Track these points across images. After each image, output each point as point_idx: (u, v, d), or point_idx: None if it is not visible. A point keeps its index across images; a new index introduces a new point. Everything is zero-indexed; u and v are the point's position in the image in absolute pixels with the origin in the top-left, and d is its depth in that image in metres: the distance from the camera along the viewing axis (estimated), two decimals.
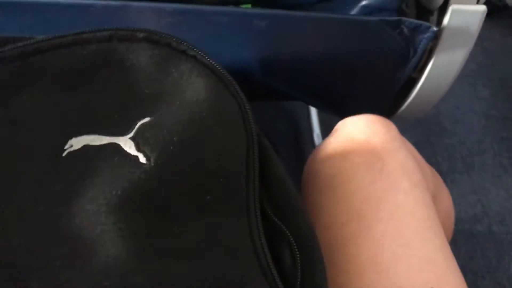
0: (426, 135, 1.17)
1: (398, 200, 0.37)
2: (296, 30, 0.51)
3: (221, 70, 0.35)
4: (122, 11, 0.49)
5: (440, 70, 0.58)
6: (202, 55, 0.35)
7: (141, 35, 0.34)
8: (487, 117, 1.22)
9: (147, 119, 0.32)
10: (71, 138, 0.30)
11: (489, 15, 1.39)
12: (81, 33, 0.34)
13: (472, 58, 1.36)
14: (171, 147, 0.31)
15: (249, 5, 0.54)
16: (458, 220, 1.04)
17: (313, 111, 1.11)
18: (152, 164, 0.30)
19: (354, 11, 0.53)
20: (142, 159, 0.30)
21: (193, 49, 0.35)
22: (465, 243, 1.01)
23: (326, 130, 1.08)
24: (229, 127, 0.34)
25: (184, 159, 0.31)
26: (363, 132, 0.41)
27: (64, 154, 0.30)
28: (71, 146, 0.30)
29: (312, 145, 1.08)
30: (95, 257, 0.27)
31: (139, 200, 0.29)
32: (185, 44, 0.35)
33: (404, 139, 0.44)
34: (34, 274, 0.26)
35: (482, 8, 0.53)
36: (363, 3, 0.52)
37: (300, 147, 1.11)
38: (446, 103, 1.23)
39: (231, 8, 0.52)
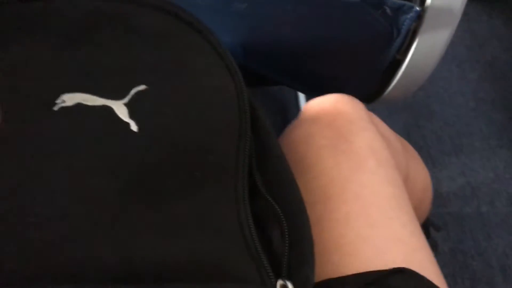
0: (414, 119, 1.17)
1: (364, 180, 0.37)
2: (277, 12, 0.51)
3: (223, 49, 0.35)
4: None
5: (424, 51, 0.57)
6: (208, 30, 0.35)
7: (151, 1, 0.34)
8: (476, 99, 1.22)
9: (143, 87, 0.31)
10: (64, 93, 0.30)
11: None
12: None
13: (460, 40, 1.36)
14: (164, 119, 0.31)
15: None
16: (447, 202, 1.05)
17: (301, 97, 1.10)
18: (143, 133, 0.29)
19: None
20: (134, 126, 0.30)
21: (200, 23, 0.35)
22: (454, 225, 1.02)
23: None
24: (224, 105, 0.34)
25: (176, 132, 0.31)
26: (329, 113, 0.41)
27: (56, 108, 0.29)
28: (64, 101, 0.29)
29: None
30: (70, 222, 0.26)
31: (125, 168, 0.28)
32: (192, 16, 0.35)
33: (372, 116, 0.44)
34: (16, 231, 0.25)
35: None
36: None
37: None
38: (434, 86, 1.23)
39: None
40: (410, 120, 1.16)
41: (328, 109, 0.41)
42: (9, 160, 0.27)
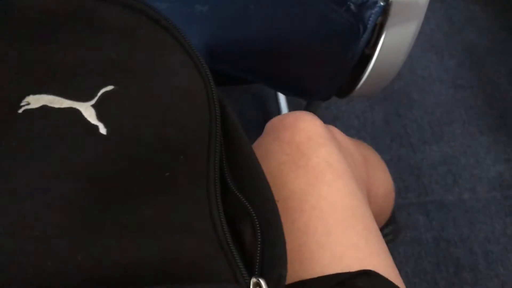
0: (394, 108, 1.17)
1: (322, 192, 0.38)
2: (240, 13, 0.50)
3: (191, 46, 0.34)
4: None
5: (392, 44, 0.57)
6: (175, 28, 0.34)
7: None
8: (455, 86, 1.23)
9: (110, 87, 0.30)
10: (29, 94, 0.29)
11: None
12: None
13: (437, 27, 1.36)
14: (133, 120, 0.30)
15: None
16: (429, 191, 1.05)
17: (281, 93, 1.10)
18: (111, 136, 0.29)
19: None
20: (102, 129, 0.29)
21: (167, 20, 0.34)
22: (437, 213, 1.02)
23: (295, 109, 1.08)
24: (193, 104, 0.33)
25: (145, 133, 0.30)
26: (289, 130, 0.43)
27: (20, 111, 0.28)
28: (28, 103, 0.29)
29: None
30: (37, 227, 0.25)
31: (94, 171, 0.28)
32: (159, 14, 0.34)
33: (334, 130, 0.46)
34: None
35: None
36: None
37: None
38: (413, 74, 1.23)
39: None
40: (390, 109, 1.17)
41: (289, 126, 0.43)
42: None
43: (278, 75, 0.60)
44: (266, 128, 0.45)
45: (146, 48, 0.33)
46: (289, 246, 0.34)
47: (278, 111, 1.09)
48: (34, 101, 0.29)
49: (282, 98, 1.10)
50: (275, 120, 0.45)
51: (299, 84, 0.63)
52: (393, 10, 0.53)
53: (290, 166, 0.40)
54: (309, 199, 0.38)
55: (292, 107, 1.09)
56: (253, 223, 0.31)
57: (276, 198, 0.35)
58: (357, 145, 0.50)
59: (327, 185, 0.39)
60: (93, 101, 0.30)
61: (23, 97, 0.29)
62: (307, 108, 0.86)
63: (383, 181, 0.55)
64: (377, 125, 1.14)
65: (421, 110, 1.18)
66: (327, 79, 0.62)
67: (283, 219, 0.34)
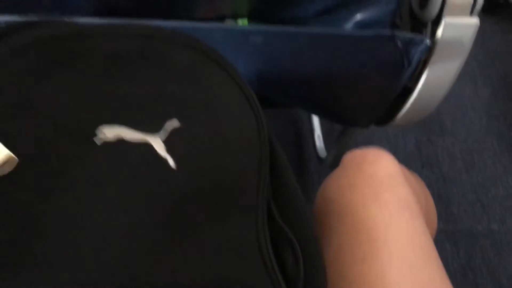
0: (426, 135, 1.18)
1: (402, 227, 0.41)
2: (292, 45, 0.52)
3: (246, 85, 0.37)
4: None
5: (434, 80, 0.59)
6: (233, 68, 0.37)
7: (183, 39, 0.36)
8: (488, 115, 1.23)
9: (176, 122, 0.33)
10: (102, 124, 0.31)
11: (490, 12, 1.38)
12: (126, 26, 0.35)
13: (473, 56, 1.36)
14: (196, 154, 0.33)
15: (246, 20, 0.55)
16: (458, 219, 1.06)
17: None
18: (179, 168, 0.32)
19: (349, 25, 0.54)
20: (171, 162, 0.32)
21: (225, 60, 0.37)
22: (465, 242, 1.02)
23: (327, 132, 1.10)
24: (247, 140, 0.36)
25: (206, 167, 0.33)
26: (372, 166, 0.46)
27: (96, 140, 0.31)
28: (104, 134, 0.31)
29: (314, 147, 1.09)
30: (108, 250, 0.28)
31: (163, 202, 0.31)
32: (218, 54, 0.37)
33: (405, 171, 0.49)
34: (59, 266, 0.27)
35: (475, 20, 0.54)
36: (358, 17, 0.53)
37: (301, 148, 1.12)
38: (446, 102, 1.23)
39: (228, 26, 0.53)
40: (422, 136, 1.17)
41: (371, 162, 0.46)
42: (52, 192, 0.29)
43: (321, 103, 0.62)
44: (346, 160, 0.49)
45: (207, 85, 0.35)
46: (373, 272, 0.37)
47: (311, 130, 1.11)
48: (109, 131, 0.31)
49: (315, 117, 1.12)
50: (356, 155, 0.48)
51: (340, 113, 0.65)
52: (438, 48, 0.55)
53: (372, 198, 0.43)
54: (391, 232, 0.41)
55: (324, 127, 1.11)
56: (296, 253, 0.34)
57: (359, 227, 0.39)
58: (418, 181, 0.53)
59: (406, 221, 0.42)
60: (161, 135, 0.32)
61: (97, 127, 0.31)
62: (343, 131, 0.88)
63: (433, 216, 0.57)
64: (408, 151, 1.15)
65: (453, 137, 1.18)
66: (368, 109, 0.64)
67: (366, 247, 0.38)
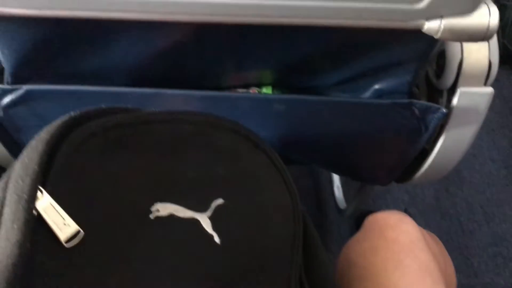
0: (445, 185, 1.19)
1: None
2: (313, 112, 0.55)
3: (283, 165, 0.40)
4: (157, 97, 0.54)
5: (451, 143, 0.61)
6: (271, 150, 0.40)
7: (227, 124, 0.40)
8: (506, 166, 1.24)
9: (221, 201, 0.36)
10: (156, 201, 0.34)
11: (508, 62, 1.40)
12: (181, 113, 0.39)
13: (490, 107, 1.38)
14: (238, 231, 0.36)
15: (270, 87, 0.58)
16: (478, 272, 1.05)
17: None
18: (223, 244, 0.35)
19: (368, 94, 0.56)
20: (217, 238, 0.35)
21: (264, 143, 0.40)
22: None
23: (347, 182, 1.12)
24: (283, 218, 0.39)
25: (247, 243, 0.36)
26: (394, 231, 0.48)
27: (152, 217, 0.34)
28: (158, 210, 0.34)
29: (333, 197, 1.11)
30: None
31: (208, 275, 0.34)
32: (258, 138, 0.40)
33: (425, 234, 0.50)
34: None
35: (489, 90, 0.56)
36: (376, 86, 0.56)
37: (321, 199, 1.14)
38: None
39: (253, 94, 0.57)
40: (441, 186, 1.18)
41: (393, 227, 0.48)
42: (113, 266, 0.32)
43: (340, 164, 0.65)
44: (369, 223, 0.51)
45: (248, 167, 0.39)
46: None
47: (330, 181, 1.13)
48: (162, 208, 0.34)
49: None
50: (378, 218, 0.50)
51: (359, 172, 0.68)
52: (454, 115, 0.57)
53: (395, 263, 0.45)
54: None
55: (343, 178, 1.13)
56: None
57: None
58: (437, 243, 0.55)
59: (427, 287, 0.44)
60: (208, 213, 0.36)
61: (152, 204, 0.34)
62: (363, 185, 0.90)
63: (453, 279, 0.58)
64: (427, 202, 1.16)
65: (471, 189, 1.19)
66: (387, 170, 0.66)
67: None
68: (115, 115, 0.36)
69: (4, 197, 0.30)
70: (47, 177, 0.31)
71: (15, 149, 0.59)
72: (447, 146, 0.61)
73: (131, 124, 0.37)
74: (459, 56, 0.54)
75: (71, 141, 0.33)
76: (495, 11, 0.41)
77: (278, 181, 0.39)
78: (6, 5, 0.40)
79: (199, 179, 0.37)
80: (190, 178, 0.37)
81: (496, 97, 1.38)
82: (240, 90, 0.60)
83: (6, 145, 0.58)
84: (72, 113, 0.34)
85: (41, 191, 0.30)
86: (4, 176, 0.32)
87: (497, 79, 0.58)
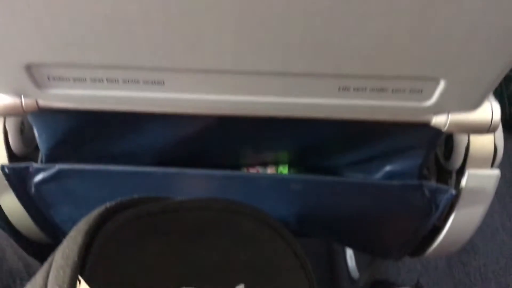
0: (458, 255, 1.19)
1: None
2: (329, 191, 0.58)
3: (300, 250, 0.43)
4: (179, 176, 0.58)
5: (462, 220, 0.63)
6: (289, 235, 0.43)
7: (248, 211, 0.42)
8: None
9: (242, 286, 0.39)
10: (182, 286, 0.36)
11: None
12: (205, 200, 0.42)
13: (501, 176, 1.40)
14: None
15: (286, 166, 0.62)
16: None
17: None
18: None
19: (380, 175, 0.59)
20: None
21: (282, 228, 0.43)
22: None
23: (359, 252, 1.12)
24: None
25: None
26: None
27: None
28: None
29: (346, 266, 1.12)
30: None
31: None
32: (276, 223, 0.43)
33: None
34: None
35: (496, 172, 0.59)
36: (388, 168, 0.59)
37: (333, 268, 1.14)
38: None
39: (270, 174, 0.60)
40: (454, 256, 1.18)
41: None
42: None
43: (353, 240, 0.67)
44: None
45: (267, 252, 0.41)
46: None
47: (343, 250, 1.14)
48: None
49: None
50: None
51: (371, 248, 0.69)
52: (463, 195, 0.60)
53: None
54: None
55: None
56: None
57: None
58: None
59: None
60: None
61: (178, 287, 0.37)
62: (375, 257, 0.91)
63: None
64: (439, 271, 1.15)
65: (484, 258, 1.19)
66: (399, 245, 0.68)
67: None
68: (146, 205, 0.39)
69: (45, 286, 0.33)
70: (84, 266, 0.34)
71: (45, 224, 0.62)
72: (458, 224, 0.63)
73: (160, 213, 0.40)
74: (466, 140, 0.57)
75: (106, 231, 0.36)
76: (497, 107, 0.45)
77: (297, 266, 0.41)
78: (50, 100, 0.45)
79: (222, 264, 0.39)
80: (214, 263, 0.39)
81: (506, 166, 1.40)
82: (258, 168, 0.63)
83: (35, 220, 0.61)
84: (108, 204, 0.37)
85: (79, 281, 0.33)
86: (46, 263, 0.35)
87: (505, 146, 0.60)
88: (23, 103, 0.45)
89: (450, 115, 0.45)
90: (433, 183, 0.58)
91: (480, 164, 0.59)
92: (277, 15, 0.35)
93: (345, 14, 0.34)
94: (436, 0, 0.33)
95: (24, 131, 0.61)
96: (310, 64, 0.39)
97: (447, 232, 0.64)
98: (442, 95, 0.42)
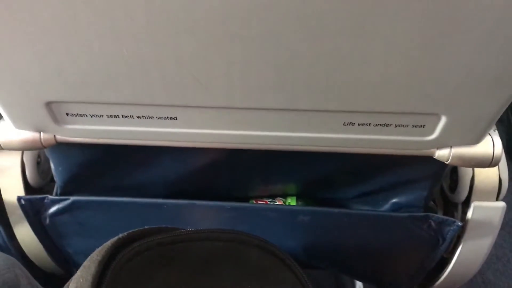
0: (468, 287, 1.18)
1: None
2: (336, 223, 0.59)
3: (306, 279, 0.43)
4: (189, 207, 0.59)
5: (469, 253, 0.63)
6: (297, 268, 0.44)
7: (255, 241, 0.43)
8: None
9: None
10: None
11: None
12: (214, 231, 0.43)
13: (509, 206, 1.39)
14: None
15: (294, 198, 0.63)
16: None
17: None
18: None
19: (387, 206, 0.60)
20: None
21: (289, 259, 0.44)
22: None
23: (368, 284, 1.12)
24: None
25: None
26: None
27: None
28: None
29: None
30: None
31: None
32: (284, 254, 0.44)
33: None
34: None
35: (502, 204, 0.60)
36: (394, 200, 0.60)
37: None
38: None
39: (279, 206, 0.61)
40: None
41: None
42: None
43: (360, 272, 0.67)
44: None
45: (275, 283, 0.42)
46: None
47: (352, 282, 1.13)
48: None
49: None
50: None
51: (379, 280, 0.70)
52: (469, 227, 0.60)
53: None
54: None
55: None
56: None
57: None
58: None
59: None
60: None
61: None
62: None
63: None
64: None
65: None
66: (407, 277, 0.68)
67: None
68: (157, 235, 0.41)
69: None
70: None
71: (58, 255, 0.64)
72: (465, 256, 0.63)
73: (170, 243, 0.41)
74: (471, 173, 0.58)
75: (119, 261, 0.38)
76: (498, 141, 0.46)
77: None
78: (68, 135, 0.47)
79: None
80: None
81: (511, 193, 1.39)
82: (266, 200, 0.64)
83: (49, 251, 0.63)
84: (120, 235, 0.39)
85: None
86: None
87: (510, 176, 0.61)
88: (42, 138, 0.47)
89: (452, 148, 0.46)
90: (439, 215, 0.59)
91: (485, 196, 0.59)
92: (284, 57, 0.37)
93: (349, 56, 0.36)
94: (436, 41, 0.35)
95: (40, 163, 0.63)
96: (316, 101, 0.41)
97: (455, 263, 0.64)
98: (444, 130, 0.43)
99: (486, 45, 0.35)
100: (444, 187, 0.65)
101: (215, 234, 0.43)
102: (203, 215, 0.60)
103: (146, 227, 0.42)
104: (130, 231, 0.40)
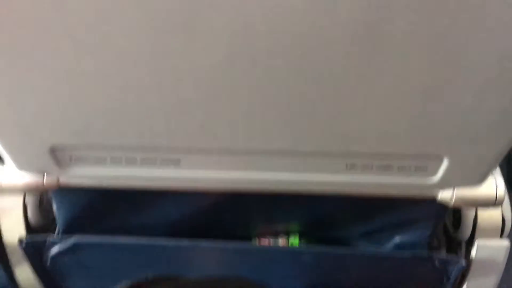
0: None
1: None
2: (339, 262, 0.59)
3: None
4: (192, 248, 0.59)
5: None
6: None
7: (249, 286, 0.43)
8: None
9: None
10: None
11: None
12: (217, 280, 0.43)
13: None
14: None
15: (297, 237, 0.62)
16: None
17: None
18: None
19: (390, 245, 0.60)
20: None
21: None
22: None
23: None
24: None
25: None
26: None
27: None
28: None
29: None
30: None
31: None
32: None
33: None
34: None
35: (506, 242, 0.59)
36: (398, 239, 0.59)
37: None
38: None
39: (281, 247, 0.61)
40: None
41: None
42: None
43: None
44: None
45: None
46: None
47: None
48: None
49: None
50: None
51: None
52: (473, 265, 0.60)
53: None
54: None
55: None
56: None
57: None
58: None
59: None
60: None
61: None
62: None
63: None
64: None
65: None
66: None
67: None
68: (160, 285, 0.41)
69: None
70: None
71: None
72: None
73: None
74: (474, 212, 0.58)
75: None
76: (501, 182, 0.46)
77: None
78: (71, 178, 0.47)
79: None
80: None
81: None
82: (269, 238, 0.64)
83: None
84: (123, 286, 0.39)
85: None
86: None
87: None
88: (45, 181, 0.47)
89: (455, 190, 0.46)
90: (443, 253, 0.59)
91: (489, 234, 0.59)
92: (286, 101, 0.37)
93: (351, 100, 0.37)
94: (438, 85, 0.36)
95: (42, 204, 0.63)
96: (318, 143, 0.42)
97: None
98: (446, 171, 0.44)
99: (488, 89, 0.36)
100: (447, 225, 0.65)
101: (220, 283, 0.43)
102: (206, 255, 0.60)
103: (149, 275, 0.41)
104: (134, 281, 0.40)
